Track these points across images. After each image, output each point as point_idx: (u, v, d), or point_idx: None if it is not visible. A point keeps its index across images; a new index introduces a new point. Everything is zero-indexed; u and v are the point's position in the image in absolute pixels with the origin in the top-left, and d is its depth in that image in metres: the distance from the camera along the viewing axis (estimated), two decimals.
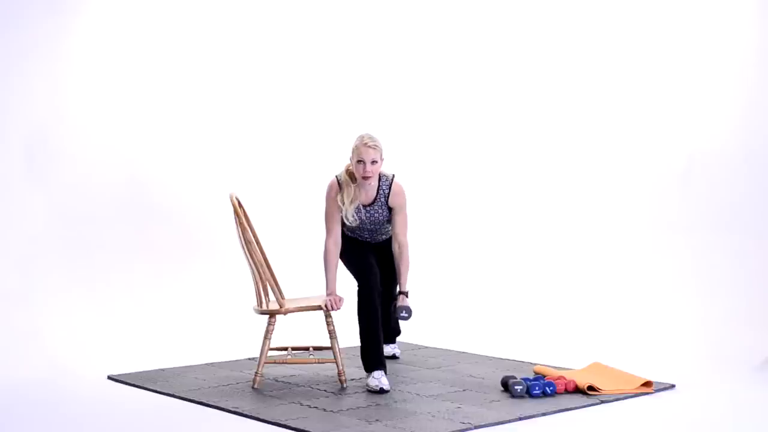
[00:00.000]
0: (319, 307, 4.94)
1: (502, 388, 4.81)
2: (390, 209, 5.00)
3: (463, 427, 4.15)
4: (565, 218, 6.76)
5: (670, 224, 6.17)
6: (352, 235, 5.12)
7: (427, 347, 6.04)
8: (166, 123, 6.32)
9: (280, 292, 5.02)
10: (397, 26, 7.33)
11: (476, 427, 4.16)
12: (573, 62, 6.77)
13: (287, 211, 6.78)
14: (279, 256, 5.85)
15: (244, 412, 4.41)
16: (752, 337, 5.50)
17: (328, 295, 4.96)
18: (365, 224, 5.03)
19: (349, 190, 4.92)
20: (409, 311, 4.94)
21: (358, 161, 4.84)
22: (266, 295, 4.98)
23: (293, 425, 4.18)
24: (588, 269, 6.53)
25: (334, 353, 4.94)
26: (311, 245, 6.86)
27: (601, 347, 5.74)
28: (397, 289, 5.09)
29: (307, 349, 5.26)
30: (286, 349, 5.23)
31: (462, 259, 7.12)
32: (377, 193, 4.97)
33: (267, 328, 4.93)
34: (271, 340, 5.02)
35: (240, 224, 4.89)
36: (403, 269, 5.03)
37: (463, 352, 5.82)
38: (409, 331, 6.11)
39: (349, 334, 5.70)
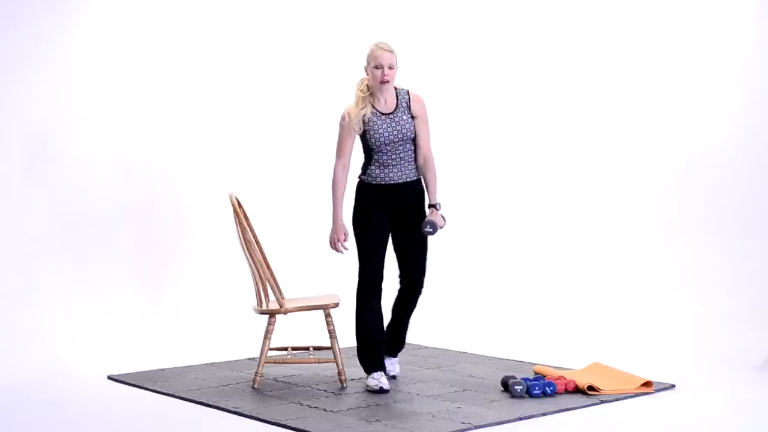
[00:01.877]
0: (319, 307, 4.94)
1: (502, 388, 4.82)
2: (413, 118, 4.88)
3: (463, 427, 4.15)
4: (565, 218, 6.75)
5: (670, 224, 6.17)
6: (368, 177, 4.94)
7: (427, 347, 6.04)
8: (166, 123, 6.32)
9: (280, 292, 5.02)
10: (397, 26, 7.32)
11: (476, 427, 4.16)
12: (573, 62, 6.76)
13: (287, 211, 6.77)
14: (279, 256, 5.85)
15: (244, 412, 4.41)
16: (752, 337, 5.50)
17: (333, 230, 4.92)
18: (391, 137, 4.84)
19: (363, 102, 4.83)
20: (433, 225, 4.80)
21: (376, 66, 4.76)
22: (266, 295, 4.98)
23: (293, 425, 4.18)
24: (588, 269, 6.53)
25: (334, 353, 4.95)
26: (311, 245, 6.87)
27: (601, 347, 5.74)
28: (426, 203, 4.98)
29: (307, 349, 5.26)
30: (286, 349, 5.23)
31: (462, 259, 7.11)
32: (397, 100, 4.88)
33: (267, 328, 4.93)
34: (271, 340, 5.02)
35: (240, 224, 4.89)
36: (430, 179, 4.94)
37: (463, 352, 5.82)
38: (408, 331, 6.11)
39: (349, 334, 5.70)
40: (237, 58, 6.63)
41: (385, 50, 4.79)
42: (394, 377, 5.13)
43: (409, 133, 4.88)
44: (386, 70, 4.77)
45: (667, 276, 6.12)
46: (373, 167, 4.92)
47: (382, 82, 4.78)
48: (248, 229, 4.96)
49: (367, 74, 4.86)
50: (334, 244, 4.94)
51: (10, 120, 5.71)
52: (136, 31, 6.17)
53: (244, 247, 4.90)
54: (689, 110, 6.12)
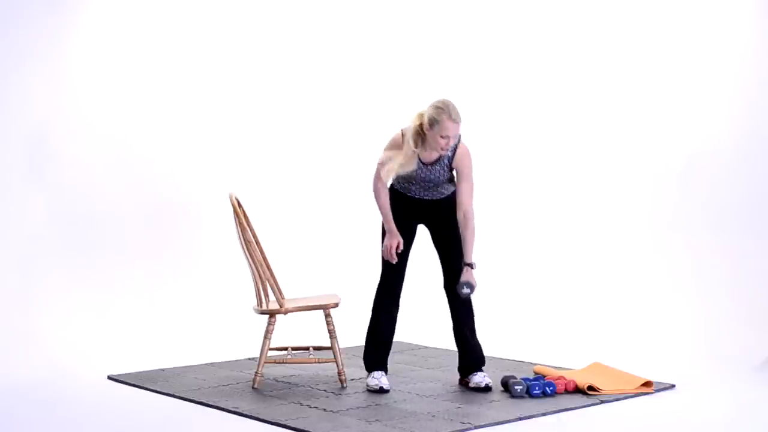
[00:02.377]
0: (319, 307, 4.94)
1: (502, 388, 4.81)
2: (451, 170, 4.78)
3: (463, 427, 4.15)
4: (565, 218, 6.75)
5: (670, 224, 6.17)
6: (400, 187, 4.88)
7: (427, 347, 6.04)
8: (166, 123, 6.31)
9: (280, 292, 5.02)
10: (398, 26, 7.32)
11: (476, 427, 4.16)
12: (573, 63, 6.76)
13: (287, 211, 6.78)
14: (279, 256, 5.86)
15: (244, 412, 4.41)
16: (752, 337, 5.50)
17: (388, 237, 4.78)
18: (419, 179, 4.79)
19: (408, 153, 4.66)
20: (470, 286, 4.73)
21: (441, 136, 4.57)
22: (266, 295, 4.98)
23: (293, 425, 4.18)
24: (588, 269, 6.53)
25: (334, 353, 4.95)
26: (311, 245, 6.88)
27: (601, 347, 5.74)
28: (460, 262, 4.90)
29: (307, 349, 5.26)
30: (286, 349, 5.23)
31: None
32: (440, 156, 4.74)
33: (267, 328, 4.93)
34: (271, 340, 5.03)
35: (240, 224, 4.89)
36: (468, 239, 4.80)
37: None
38: (409, 331, 6.12)
39: (349, 334, 5.70)
40: (237, 57, 6.63)
41: (456, 122, 4.58)
42: (488, 388, 4.82)
43: (440, 181, 4.81)
44: (451, 141, 4.64)
45: (667, 276, 6.12)
46: (404, 183, 4.88)
47: (442, 149, 4.64)
48: (248, 229, 4.96)
49: (424, 124, 4.63)
50: (389, 251, 4.81)
51: (10, 120, 5.71)
52: (136, 31, 6.17)
53: (244, 247, 4.90)
54: (689, 110, 6.13)
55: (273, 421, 4.26)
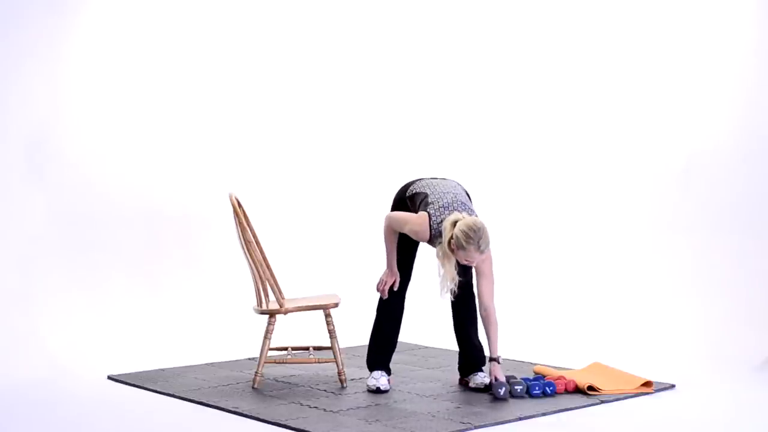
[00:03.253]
0: (319, 307, 4.94)
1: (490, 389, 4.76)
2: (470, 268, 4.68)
3: (463, 427, 4.15)
4: (565, 218, 6.75)
5: (670, 224, 6.17)
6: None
7: (427, 347, 6.04)
8: (165, 123, 6.32)
9: (280, 292, 5.02)
10: (398, 26, 7.32)
11: (476, 427, 4.16)
12: (573, 63, 6.77)
13: (287, 211, 6.78)
14: (279, 256, 5.86)
15: (244, 412, 4.41)
16: (752, 337, 5.50)
17: (386, 273, 4.80)
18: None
19: (439, 259, 4.55)
20: (503, 385, 4.61)
21: (466, 259, 4.48)
22: (266, 295, 4.98)
23: (293, 425, 4.18)
24: (588, 269, 6.53)
25: (334, 353, 4.95)
26: (311, 245, 6.88)
27: (601, 347, 5.74)
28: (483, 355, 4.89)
29: (307, 349, 5.26)
30: (286, 349, 5.23)
31: None
32: None
33: (267, 328, 4.93)
34: (271, 340, 5.02)
35: (240, 224, 4.89)
36: (492, 335, 4.69)
37: None
38: (409, 331, 6.11)
39: (349, 334, 5.70)
40: (236, 58, 6.63)
41: (479, 252, 4.46)
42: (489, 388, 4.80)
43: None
44: (473, 262, 4.52)
45: (667, 276, 6.12)
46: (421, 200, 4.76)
47: (465, 262, 4.54)
48: (248, 229, 4.96)
49: (452, 242, 4.47)
50: (382, 285, 4.81)
51: (10, 120, 5.71)
52: (136, 31, 6.17)
53: (244, 247, 4.90)
54: (689, 110, 6.13)
55: (273, 421, 4.26)
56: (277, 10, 6.80)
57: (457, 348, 5.08)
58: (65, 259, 5.85)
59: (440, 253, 4.55)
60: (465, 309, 4.97)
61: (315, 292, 5.86)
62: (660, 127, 6.27)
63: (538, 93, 6.94)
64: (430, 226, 4.59)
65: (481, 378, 4.88)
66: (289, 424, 4.19)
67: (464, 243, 4.43)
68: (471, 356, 4.98)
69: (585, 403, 4.54)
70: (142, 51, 6.20)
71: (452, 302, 4.95)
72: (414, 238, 4.73)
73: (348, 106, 7.14)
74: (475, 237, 4.42)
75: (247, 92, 6.69)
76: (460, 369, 5.03)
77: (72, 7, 5.95)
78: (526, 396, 4.67)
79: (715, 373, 5.14)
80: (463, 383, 4.99)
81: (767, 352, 5.38)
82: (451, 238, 4.48)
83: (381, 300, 4.93)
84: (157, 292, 6.17)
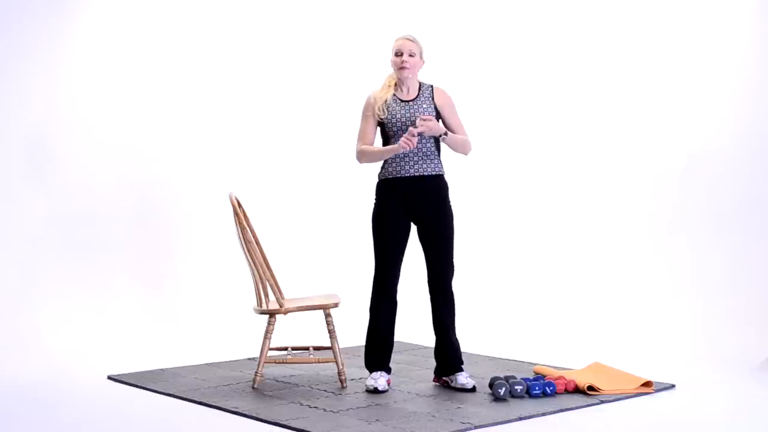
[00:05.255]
0: (319, 307, 4.94)
1: (489, 390, 4.76)
2: (435, 109, 4.87)
3: (463, 427, 4.15)
4: (565, 218, 6.76)
5: (670, 224, 6.18)
6: (388, 173, 4.86)
7: (427, 347, 6.04)
8: (165, 123, 6.32)
9: (280, 292, 5.02)
10: (398, 25, 7.32)
11: (476, 427, 4.16)
12: (573, 63, 6.77)
13: (287, 211, 6.78)
14: (279, 256, 5.86)
15: (244, 412, 4.41)
16: (752, 337, 5.50)
17: (398, 145, 4.74)
18: (407, 122, 4.81)
19: (386, 90, 4.92)
20: (504, 388, 4.63)
21: (396, 54, 4.84)
22: (266, 295, 4.98)
23: (293, 425, 4.18)
24: (588, 269, 6.53)
25: (334, 353, 4.95)
26: (311, 245, 6.88)
27: (601, 347, 5.74)
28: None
29: (307, 349, 5.26)
30: (286, 349, 5.23)
31: (462, 259, 7.11)
32: (419, 91, 4.90)
33: (267, 327, 4.93)
34: (271, 340, 5.03)
35: (240, 224, 4.89)
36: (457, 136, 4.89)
37: (463, 352, 5.81)
38: (409, 331, 6.12)
39: (349, 334, 5.70)
40: (236, 58, 6.64)
41: (406, 39, 4.87)
42: (475, 389, 4.82)
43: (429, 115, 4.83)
44: (405, 57, 4.83)
45: (667, 276, 6.12)
46: (390, 161, 4.89)
47: (401, 68, 4.83)
48: (248, 229, 4.96)
49: (391, 65, 4.92)
50: (409, 138, 4.69)
51: (10, 120, 5.71)
52: (135, 32, 6.17)
53: (244, 247, 4.91)
54: (689, 110, 6.13)
55: (273, 421, 4.26)
56: (276, 11, 6.81)
57: (435, 345, 5.00)
58: (65, 259, 5.85)
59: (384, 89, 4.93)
60: (445, 309, 4.93)
61: (315, 292, 5.86)
62: (660, 127, 6.28)
63: (538, 93, 6.95)
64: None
65: (464, 378, 4.87)
66: (289, 424, 4.19)
67: (394, 42, 4.89)
68: (450, 356, 4.93)
69: (585, 403, 4.54)
70: (142, 51, 6.20)
71: (432, 301, 4.94)
72: (375, 113, 4.90)
73: (348, 106, 7.14)
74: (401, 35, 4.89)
75: (246, 92, 6.69)
76: (436, 370, 4.99)
77: (71, 7, 5.95)
78: (526, 396, 4.67)
79: (715, 373, 5.14)
80: (443, 383, 4.96)
81: (767, 352, 5.38)
82: (389, 77, 4.93)
83: (373, 302, 4.90)
84: (157, 292, 6.17)
